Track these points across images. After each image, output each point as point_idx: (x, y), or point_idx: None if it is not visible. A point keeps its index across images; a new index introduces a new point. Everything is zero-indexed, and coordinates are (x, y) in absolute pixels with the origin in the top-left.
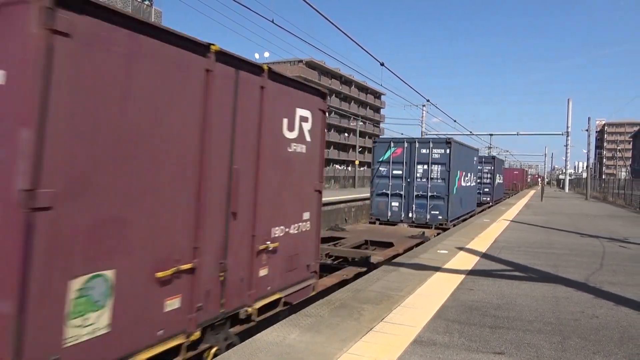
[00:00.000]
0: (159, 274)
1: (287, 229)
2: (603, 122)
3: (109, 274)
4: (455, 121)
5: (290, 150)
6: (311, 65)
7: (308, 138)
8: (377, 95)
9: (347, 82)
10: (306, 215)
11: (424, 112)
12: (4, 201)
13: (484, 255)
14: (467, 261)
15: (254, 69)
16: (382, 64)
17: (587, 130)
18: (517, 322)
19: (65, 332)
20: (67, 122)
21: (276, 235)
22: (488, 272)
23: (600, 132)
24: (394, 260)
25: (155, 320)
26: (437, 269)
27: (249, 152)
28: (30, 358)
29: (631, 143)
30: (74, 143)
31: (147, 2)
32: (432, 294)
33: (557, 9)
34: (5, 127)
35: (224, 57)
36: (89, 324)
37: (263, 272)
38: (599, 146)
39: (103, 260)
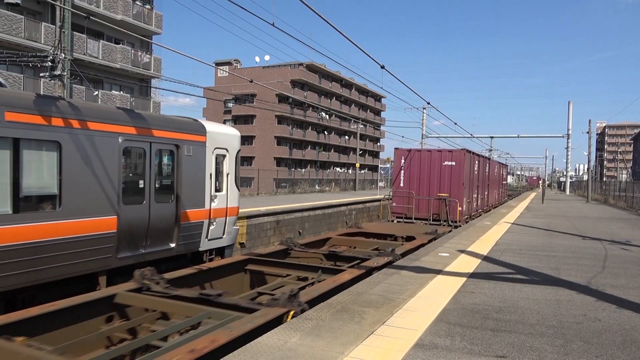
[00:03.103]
0: (467, 200)
1: None
2: (604, 125)
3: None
4: (455, 124)
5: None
6: (312, 68)
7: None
8: (378, 98)
9: (347, 85)
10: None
11: (425, 114)
12: None
13: (485, 258)
14: (469, 264)
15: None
16: (382, 67)
17: (588, 132)
18: (519, 325)
19: None
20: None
21: None
22: (489, 275)
23: (601, 135)
24: (394, 264)
25: None
26: (438, 271)
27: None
28: None
29: (632, 145)
30: None
31: (147, 6)
32: (433, 297)
33: (558, 12)
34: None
35: None
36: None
37: None
38: (600, 148)
39: None
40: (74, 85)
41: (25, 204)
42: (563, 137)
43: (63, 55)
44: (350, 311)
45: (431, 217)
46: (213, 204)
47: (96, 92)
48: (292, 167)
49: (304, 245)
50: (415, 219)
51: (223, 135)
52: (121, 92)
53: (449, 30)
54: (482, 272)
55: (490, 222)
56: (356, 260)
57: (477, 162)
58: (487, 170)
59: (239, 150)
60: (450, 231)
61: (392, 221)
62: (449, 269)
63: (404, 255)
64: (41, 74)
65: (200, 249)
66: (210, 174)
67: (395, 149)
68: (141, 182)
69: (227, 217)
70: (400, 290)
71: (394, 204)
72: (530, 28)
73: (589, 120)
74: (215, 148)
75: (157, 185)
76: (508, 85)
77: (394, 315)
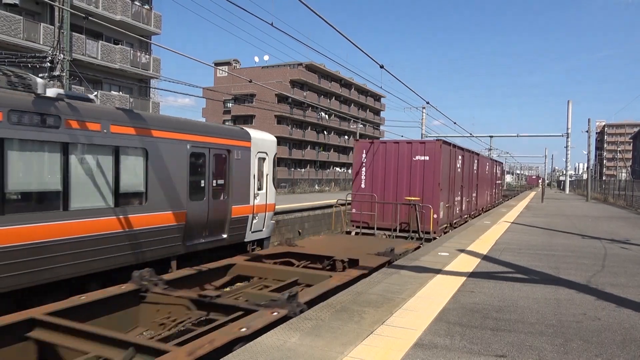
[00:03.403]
0: (446, 205)
1: None
2: (603, 124)
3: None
4: (455, 123)
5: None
6: (311, 68)
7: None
8: (377, 97)
9: (347, 84)
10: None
11: (424, 114)
12: None
13: (485, 258)
14: (468, 263)
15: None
16: (381, 67)
17: (587, 131)
18: (519, 325)
19: None
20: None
21: None
22: (489, 275)
23: (601, 134)
24: (394, 264)
25: None
26: (438, 271)
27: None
28: None
29: (631, 144)
30: None
31: (146, 7)
32: (433, 297)
33: (557, 10)
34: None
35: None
36: (442, 215)
37: None
38: (599, 147)
39: None
40: (73, 85)
41: (122, 199)
42: (562, 136)
43: (62, 55)
44: (349, 311)
45: (398, 227)
46: (255, 201)
47: (95, 93)
48: (291, 167)
49: (169, 284)
50: (378, 229)
51: (263, 140)
52: (120, 92)
53: (448, 30)
54: (481, 271)
55: (489, 222)
56: (238, 312)
57: (460, 157)
58: (475, 168)
59: (276, 154)
60: (418, 247)
61: (350, 233)
62: (449, 269)
63: (310, 304)
64: (40, 75)
65: (245, 240)
66: (254, 175)
67: (356, 140)
68: (202, 181)
69: (267, 213)
70: (400, 290)
71: (353, 210)
72: (530, 27)
73: (589, 119)
74: (258, 152)
75: (214, 185)
76: (508, 84)
77: (394, 315)
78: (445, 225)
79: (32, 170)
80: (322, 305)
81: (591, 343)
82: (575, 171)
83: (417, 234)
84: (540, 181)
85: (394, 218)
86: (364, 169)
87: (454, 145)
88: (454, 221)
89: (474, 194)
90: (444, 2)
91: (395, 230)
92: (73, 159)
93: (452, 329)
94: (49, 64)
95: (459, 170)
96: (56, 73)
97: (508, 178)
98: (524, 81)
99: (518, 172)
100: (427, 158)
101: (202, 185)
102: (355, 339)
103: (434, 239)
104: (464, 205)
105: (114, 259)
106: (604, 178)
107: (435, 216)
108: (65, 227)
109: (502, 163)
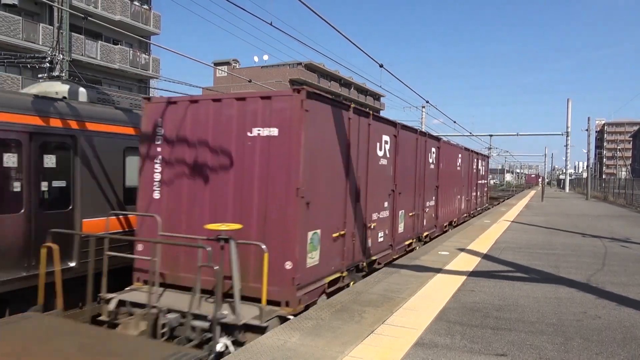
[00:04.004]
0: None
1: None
2: (603, 122)
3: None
4: (455, 122)
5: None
6: (310, 67)
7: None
8: (377, 97)
9: (346, 84)
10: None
11: (424, 113)
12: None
13: (485, 257)
14: (468, 262)
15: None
16: (381, 66)
17: (587, 130)
18: (519, 324)
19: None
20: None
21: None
22: (489, 274)
23: (600, 132)
24: (394, 262)
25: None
26: (438, 270)
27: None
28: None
29: (631, 142)
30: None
31: (145, 7)
32: (433, 296)
33: (557, 10)
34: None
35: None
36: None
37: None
38: (599, 146)
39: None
40: None
41: None
42: (562, 134)
43: (61, 56)
44: (350, 310)
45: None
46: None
47: None
48: None
49: None
50: (177, 288)
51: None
52: None
53: (448, 28)
54: (482, 270)
55: (489, 221)
56: None
57: (386, 138)
58: (432, 161)
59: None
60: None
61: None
62: (449, 268)
63: None
64: (39, 75)
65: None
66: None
67: (144, 98)
68: (14, 184)
69: None
70: (400, 289)
71: (138, 248)
72: (530, 27)
73: (588, 118)
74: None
75: (43, 189)
76: (507, 83)
77: (394, 314)
78: (328, 281)
79: None
80: (323, 305)
81: (592, 341)
82: (575, 170)
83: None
84: (540, 180)
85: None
86: (158, 158)
87: (368, 112)
88: (377, 258)
89: (434, 200)
90: (444, 4)
91: (201, 291)
92: None
93: (453, 328)
94: (48, 65)
95: (382, 163)
96: (56, 73)
97: (507, 177)
98: (524, 80)
99: (518, 170)
100: (275, 133)
101: (16, 189)
102: (355, 339)
103: (293, 316)
104: (416, 222)
105: None
106: (603, 177)
107: (289, 265)
108: None
109: (487, 157)
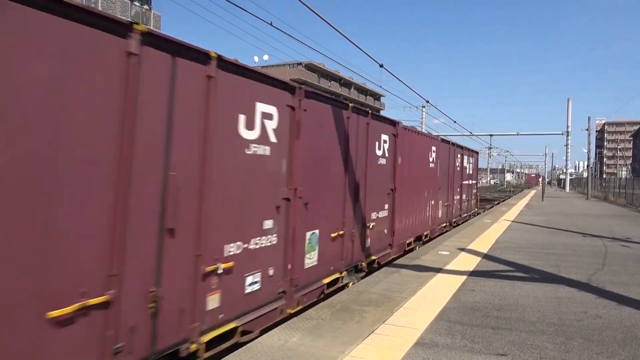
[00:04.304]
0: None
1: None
2: (603, 122)
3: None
4: (455, 122)
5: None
6: (310, 67)
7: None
8: (377, 97)
9: (346, 84)
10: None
11: (424, 113)
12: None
13: (486, 256)
14: (469, 262)
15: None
16: (381, 66)
17: (587, 129)
18: (520, 323)
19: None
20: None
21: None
22: (490, 273)
23: (601, 132)
24: (394, 262)
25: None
26: (438, 270)
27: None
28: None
29: (632, 142)
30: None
31: (146, 7)
32: (433, 296)
33: (557, 9)
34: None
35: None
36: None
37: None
38: (600, 145)
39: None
40: None
41: None
42: (562, 134)
43: None
44: (350, 310)
45: None
46: None
47: None
48: None
49: None
50: None
51: None
52: None
53: (448, 28)
54: (482, 270)
55: (490, 220)
56: None
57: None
58: (383, 153)
59: None
60: None
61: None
62: (449, 267)
63: None
64: None
65: None
66: None
67: None
68: None
69: None
70: (401, 289)
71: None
72: (530, 27)
73: (588, 118)
74: None
75: None
76: (507, 82)
77: (395, 314)
78: None
79: None
80: (323, 304)
81: (592, 341)
82: (575, 169)
83: None
84: (540, 179)
85: None
86: None
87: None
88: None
89: (388, 209)
90: (445, 4)
91: None
92: None
93: (453, 328)
94: None
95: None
96: None
97: (508, 177)
98: (524, 80)
99: (518, 170)
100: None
101: None
102: (356, 339)
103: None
104: (344, 245)
105: None
106: (604, 176)
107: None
108: None
109: (476, 152)
